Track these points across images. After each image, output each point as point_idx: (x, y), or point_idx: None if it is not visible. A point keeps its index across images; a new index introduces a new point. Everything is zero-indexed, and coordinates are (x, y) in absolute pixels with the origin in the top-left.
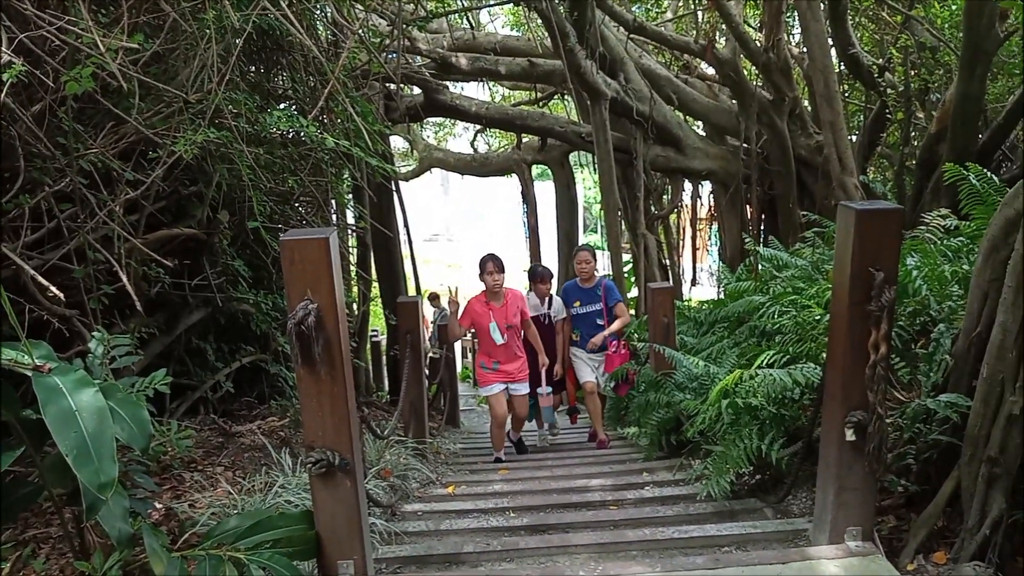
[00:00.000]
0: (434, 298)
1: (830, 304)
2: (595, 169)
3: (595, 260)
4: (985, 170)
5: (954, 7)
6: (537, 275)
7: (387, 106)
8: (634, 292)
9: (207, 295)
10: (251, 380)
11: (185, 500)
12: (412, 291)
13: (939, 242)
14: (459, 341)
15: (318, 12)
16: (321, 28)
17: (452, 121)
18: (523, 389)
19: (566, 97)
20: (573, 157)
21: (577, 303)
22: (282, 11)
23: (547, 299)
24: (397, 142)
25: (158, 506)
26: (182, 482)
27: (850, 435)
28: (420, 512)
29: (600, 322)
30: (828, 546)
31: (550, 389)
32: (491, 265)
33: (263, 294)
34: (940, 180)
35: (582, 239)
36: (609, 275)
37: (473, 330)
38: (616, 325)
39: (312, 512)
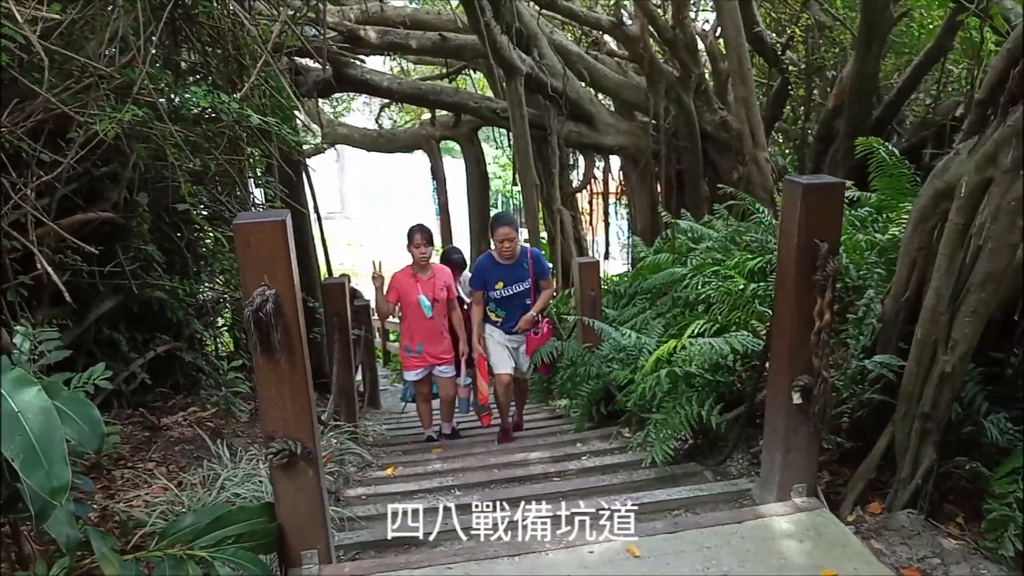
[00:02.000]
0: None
1: (777, 275)
2: (499, 144)
3: (519, 234)
4: (884, 143)
5: None
6: (452, 262)
7: (295, 81)
8: None
9: (118, 282)
10: (165, 370)
11: (119, 499)
12: (323, 272)
13: (847, 213)
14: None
15: None
16: None
17: (351, 95)
18: (448, 372)
19: (474, 72)
20: (484, 132)
21: (500, 284)
22: None
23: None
24: (300, 118)
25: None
26: (113, 481)
27: (797, 398)
28: (364, 496)
29: (530, 302)
30: (777, 503)
31: (468, 380)
32: (419, 237)
33: (178, 279)
34: (837, 153)
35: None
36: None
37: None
38: (541, 302)
39: (272, 504)
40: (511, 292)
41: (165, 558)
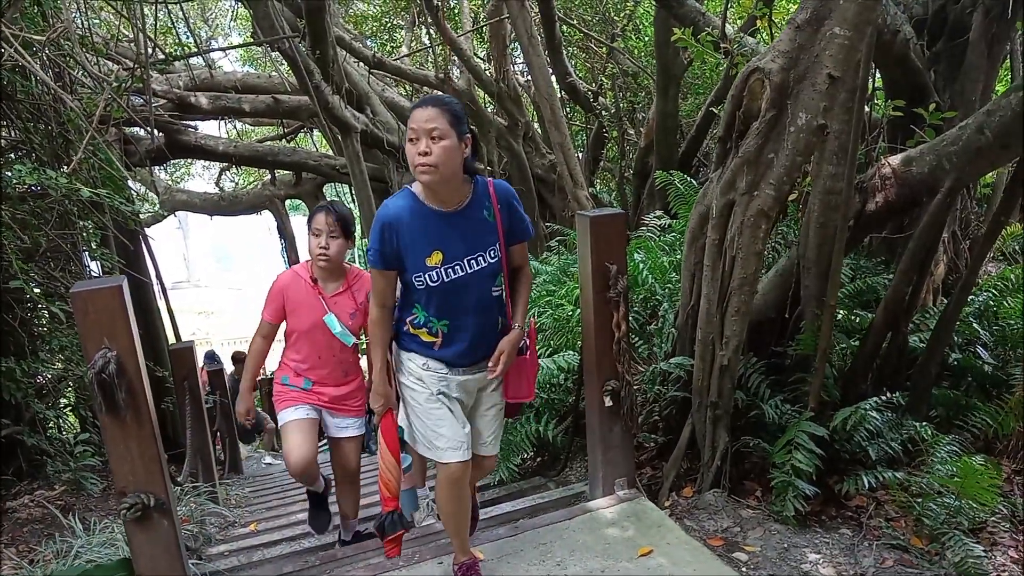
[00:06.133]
0: (237, 360)
1: (580, 296)
2: (349, 199)
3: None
4: (686, 175)
5: (647, 38)
6: None
7: (126, 150)
8: None
9: None
10: (6, 456)
11: None
12: (172, 341)
13: (657, 238)
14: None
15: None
16: (48, 76)
17: (189, 161)
18: (350, 429)
19: (314, 130)
20: (327, 189)
21: (435, 256)
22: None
23: None
24: (135, 186)
25: None
26: None
27: (608, 401)
28: (227, 552)
29: (497, 291)
30: (603, 498)
31: (408, 462)
32: (321, 218)
33: (14, 360)
34: (653, 186)
35: None
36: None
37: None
38: (524, 299)
39: (129, 559)
40: (461, 273)
41: None
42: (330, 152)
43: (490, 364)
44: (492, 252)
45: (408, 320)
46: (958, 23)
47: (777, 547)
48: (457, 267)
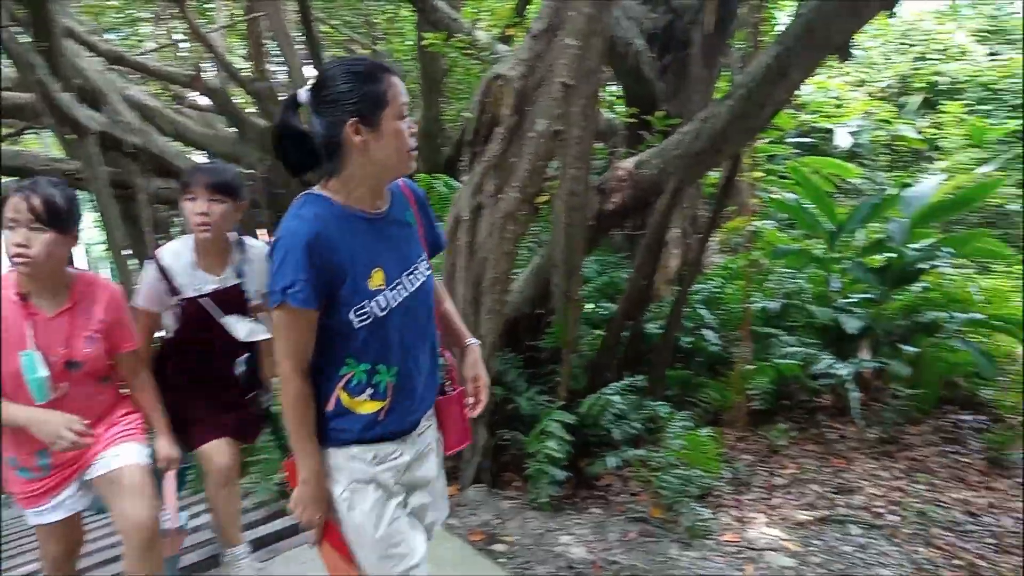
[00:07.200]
0: None
1: None
2: (91, 207)
3: None
4: (451, 179)
5: (411, 42)
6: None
7: None
8: None
9: None
10: None
11: None
12: None
13: None
14: None
15: None
16: None
17: None
18: (134, 455)
19: (44, 131)
20: None
21: (378, 276)
22: None
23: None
24: None
25: None
26: None
27: None
28: None
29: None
30: None
31: (184, 520)
32: (12, 205)
33: None
34: None
35: None
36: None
37: None
38: (454, 308)
39: None
40: (405, 294)
41: None
42: (63, 155)
43: (474, 398)
44: (423, 264)
45: (338, 390)
46: (683, 37)
47: (533, 534)
48: (399, 287)
